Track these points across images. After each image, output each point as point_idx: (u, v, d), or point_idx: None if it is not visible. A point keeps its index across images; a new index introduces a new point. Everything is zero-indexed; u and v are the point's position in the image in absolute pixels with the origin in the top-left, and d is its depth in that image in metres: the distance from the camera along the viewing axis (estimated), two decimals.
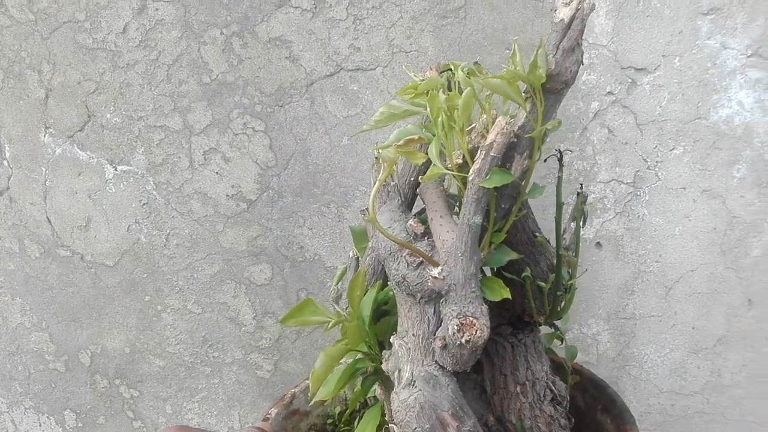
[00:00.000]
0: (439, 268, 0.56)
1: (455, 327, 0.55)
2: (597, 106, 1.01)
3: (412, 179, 0.69)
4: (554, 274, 0.68)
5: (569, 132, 1.03)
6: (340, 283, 0.80)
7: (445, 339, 0.58)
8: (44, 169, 1.14)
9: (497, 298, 0.59)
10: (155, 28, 1.03)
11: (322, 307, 0.70)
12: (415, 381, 0.60)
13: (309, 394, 0.67)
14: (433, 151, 0.56)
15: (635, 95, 1.01)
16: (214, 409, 1.24)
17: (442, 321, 0.63)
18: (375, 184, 0.59)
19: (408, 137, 0.56)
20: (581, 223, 0.70)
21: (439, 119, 0.55)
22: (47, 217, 1.17)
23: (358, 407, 0.83)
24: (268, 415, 0.81)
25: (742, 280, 1.08)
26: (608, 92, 1.01)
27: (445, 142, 0.56)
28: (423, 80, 0.59)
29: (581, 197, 0.70)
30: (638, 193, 1.05)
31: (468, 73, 0.62)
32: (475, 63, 0.61)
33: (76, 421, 1.28)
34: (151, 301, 1.18)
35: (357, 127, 1.05)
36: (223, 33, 1.02)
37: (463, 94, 0.54)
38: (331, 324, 0.68)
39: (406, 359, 0.62)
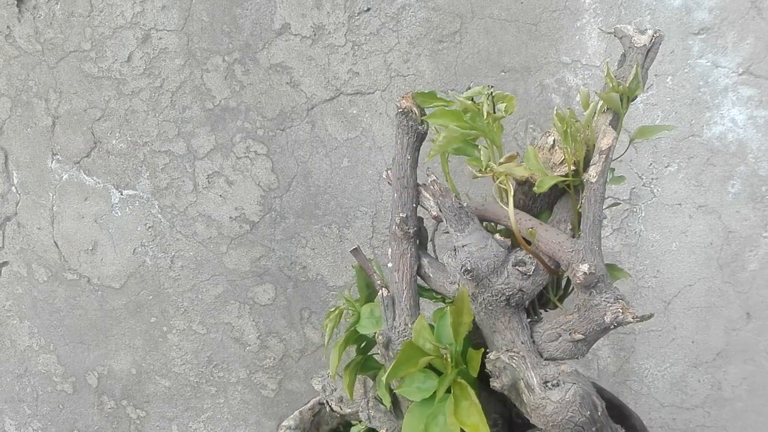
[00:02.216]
0: (587, 264, 0.61)
1: (618, 311, 0.60)
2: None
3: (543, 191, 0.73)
4: None
5: None
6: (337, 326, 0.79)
7: (578, 331, 0.64)
8: (51, 195, 1.16)
9: (614, 280, 0.65)
10: (159, 57, 1.06)
11: (424, 348, 0.69)
12: (552, 382, 0.64)
13: None
14: (535, 163, 0.64)
15: (629, 114, 1.02)
16: (219, 428, 1.25)
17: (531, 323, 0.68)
18: (509, 200, 0.64)
19: (509, 154, 0.64)
20: None
21: (568, 132, 0.63)
22: (54, 242, 1.19)
23: None
24: None
25: (740, 293, 1.09)
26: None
27: (567, 153, 0.64)
28: (453, 102, 0.67)
29: None
30: (635, 209, 1.06)
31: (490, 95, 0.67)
32: (490, 87, 0.66)
33: None
34: (156, 323, 1.20)
35: (357, 149, 1.08)
36: (225, 60, 1.05)
37: (589, 108, 0.65)
38: (447, 356, 0.68)
39: (526, 367, 0.66)
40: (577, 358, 0.67)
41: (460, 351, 0.70)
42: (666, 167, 1.04)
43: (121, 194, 1.13)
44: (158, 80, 1.07)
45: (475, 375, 0.69)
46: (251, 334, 1.19)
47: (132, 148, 1.11)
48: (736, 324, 1.11)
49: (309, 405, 0.86)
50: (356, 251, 0.77)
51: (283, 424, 0.93)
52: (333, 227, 1.12)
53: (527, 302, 0.69)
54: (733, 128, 1.02)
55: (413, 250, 0.73)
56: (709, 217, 1.05)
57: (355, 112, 1.06)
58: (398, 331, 0.73)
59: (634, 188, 1.05)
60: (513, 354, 0.67)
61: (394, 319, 0.74)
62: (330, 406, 0.83)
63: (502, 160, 0.63)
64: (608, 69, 0.65)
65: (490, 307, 0.68)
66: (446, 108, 0.67)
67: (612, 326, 0.61)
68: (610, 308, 0.61)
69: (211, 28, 1.04)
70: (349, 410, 0.82)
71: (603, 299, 0.62)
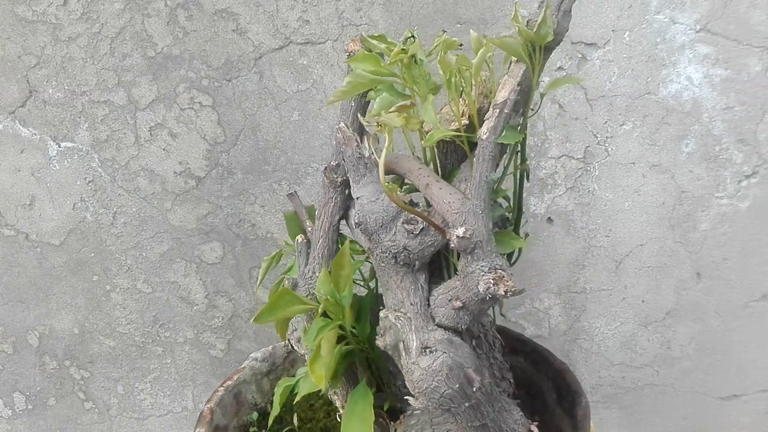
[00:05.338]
0: (463, 227, 0.57)
1: (490, 282, 0.56)
2: (547, 81, 1.01)
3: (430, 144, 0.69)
4: (512, 227, 0.69)
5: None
6: (273, 268, 0.78)
7: (460, 299, 0.60)
8: None
9: (509, 250, 0.62)
10: (97, 0, 1.00)
11: (299, 295, 0.68)
12: (428, 347, 0.61)
13: (318, 383, 0.64)
14: (431, 115, 0.57)
15: (585, 70, 1.01)
16: (167, 389, 1.22)
17: (435, 285, 0.65)
18: (382, 151, 0.59)
19: (400, 104, 0.57)
20: (527, 179, 0.72)
21: (452, 80, 0.57)
22: None
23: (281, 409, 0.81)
24: None
25: (690, 253, 1.09)
26: (558, 67, 1.00)
27: (454, 104, 0.57)
28: (388, 47, 0.60)
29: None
30: (588, 168, 1.05)
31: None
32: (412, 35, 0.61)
33: (25, 404, 1.25)
34: (99, 281, 1.15)
35: (308, 102, 1.04)
36: (167, 5, 0.99)
37: (478, 54, 0.57)
38: (320, 311, 0.66)
39: (410, 329, 0.62)
40: (461, 327, 0.63)
41: (341, 303, 0.68)
42: (621, 125, 1.03)
43: (59, 146, 1.08)
44: (96, 25, 1.01)
45: (349, 327, 0.68)
46: (198, 293, 1.16)
47: (70, 97, 1.05)
48: (687, 284, 1.11)
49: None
50: (292, 196, 0.75)
51: (251, 355, 0.92)
52: (283, 184, 1.08)
53: (418, 262, 0.64)
54: (688, 86, 1.01)
55: (338, 199, 0.71)
56: (663, 177, 1.05)
57: (305, 62, 1.02)
58: (306, 278, 0.73)
59: (588, 147, 1.04)
60: (399, 314, 0.64)
61: (305, 266, 0.73)
62: (291, 345, 0.82)
63: (392, 109, 0.58)
64: (516, 10, 0.58)
65: (382, 264, 0.65)
66: (368, 52, 0.63)
67: (487, 297, 0.57)
68: (483, 278, 0.57)
69: None
70: (303, 351, 0.80)
71: (478, 267, 0.58)
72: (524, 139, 0.69)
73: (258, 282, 0.80)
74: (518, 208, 0.70)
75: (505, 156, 0.66)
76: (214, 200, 1.09)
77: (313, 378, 0.64)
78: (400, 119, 0.58)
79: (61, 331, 1.19)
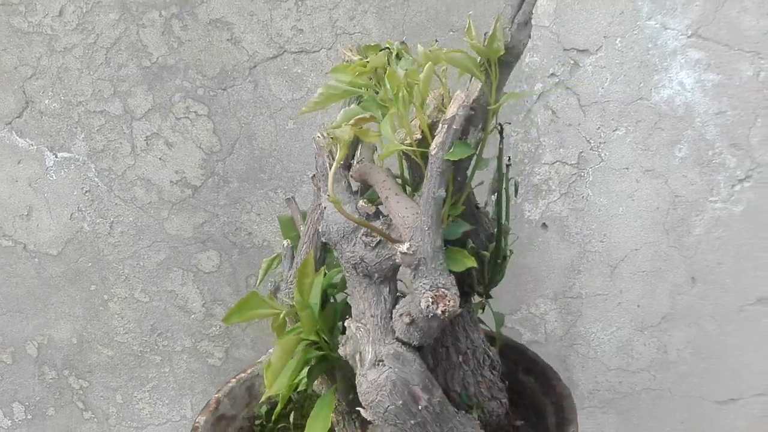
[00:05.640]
0: (408, 243, 0.56)
1: (429, 300, 0.56)
2: (540, 87, 1.02)
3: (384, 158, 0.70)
4: (494, 244, 0.69)
5: (513, 114, 1.03)
6: (269, 274, 0.79)
7: (411, 315, 0.59)
8: None
9: (461, 269, 0.61)
10: (92, 11, 1.01)
11: (267, 299, 0.70)
12: (381, 360, 0.60)
13: (267, 388, 0.66)
14: (387, 129, 0.56)
15: (578, 76, 1.01)
16: (165, 397, 1.23)
17: (398, 299, 0.64)
18: (332, 165, 0.59)
19: (359, 116, 0.56)
20: (515, 194, 0.72)
21: (400, 95, 0.56)
22: None
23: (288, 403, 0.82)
24: (196, 424, 0.80)
25: (685, 258, 1.10)
26: (551, 74, 1.01)
27: (403, 118, 0.56)
28: (362, 60, 0.59)
29: (507, 166, 0.71)
30: (582, 174, 1.06)
31: (396, 54, 0.62)
32: (402, 43, 0.61)
33: (25, 414, 1.26)
34: (97, 291, 1.16)
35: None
36: (162, 15, 1.00)
37: (425, 68, 0.55)
38: (282, 315, 0.68)
39: (367, 340, 0.62)
40: (413, 343, 0.62)
41: (306, 310, 0.69)
42: (614, 131, 1.03)
43: (56, 157, 1.08)
44: (92, 36, 1.02)
45: (311, 334, 0.69)
46: (196, 301, 1.16)
47: (66, 108, 1.06)
48: (681, 288, 1.11)
49: None
50: (290, 201, 0.76)
51: (269, 350, 0.93)
52: (279, 192, 1.09)
53: (377, 274, 0.63)
54: (681, 92, 1.01)
55: (324, 207, 0.72)
56: (656, 182, 1.05)
57: (299, 71, 1.02)
58: (288, 282, 0.74)
59: (582, 152, 1.05)
60: (360, 325, 0.64)
61: (289, 270, 0.75)
62: None
63: (351, 122, 0.57)
64: (470, 23, 0.56)
65: (347, 274, 0.65)
66: (347, 63, 0.62)
67: (429, 315, 0.56)
68: (424, 295, 0.56)
69: None
70: None
71: (421, 284, 0.57)
72: (501, 151, 0.69)
73: (258, 282, 0.82)
74: (499, 222, 0.70)
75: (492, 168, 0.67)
76: (211, 209, 1.10)
77: (265, 382, 0.66)
78: (351, 133, 0.57)
79: (59, 341, 1.20)
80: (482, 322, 0.80)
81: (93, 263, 1.14)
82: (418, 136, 0.60)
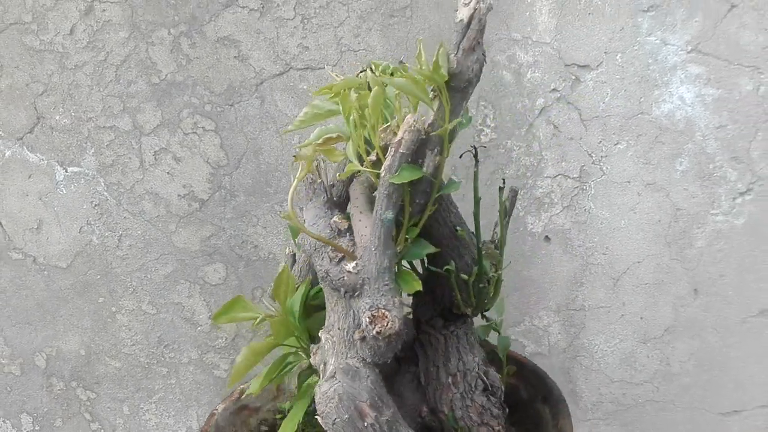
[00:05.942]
0: (354, 262, 0.58)
1: (367, 319, 0.57)
2: (542, 102, 1.03)
3: (345, 178, 0.71)
4: (477, 267, 0.70)
5: (516, 128, 1.05)
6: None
7: (363, 332, 0.59)
8: None
9: (411, 290, 0.61)
10: (102, 29, 1.03)
11: (253, 304, 0.73)
12: (335, 373, 0.61)
13: (228, 386, 0.69)
14: (350, 149, 0.57)
15: (579, 91, 1.03)
16: (171, 409, 1.24)
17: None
18: (294, 181, 0.60)
19: (327, 136, 0.58)
20: (506, 219, 0.72)
21: (351, 117, 0.57)
22: None
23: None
24: (215, 411, 0.82)
25: (687, 270, 1.10)
26: (553, 89, 1.03)
27: (357, 140, 0.57)
28: (342, 80, 0.61)
29: (511, 192, 0.72)
30: (584, 187, 1.07)
31: (392, 72, 0.63)
32: (400, 62, 0.62)
33: (33, 425, 1.27)
34: (105, 303, 1.17)
35: (309, 126, 1.06)
36: (171, 33, 1.02)
37: (372, 93, 0.56)
38: (258, 320, 0.70)
39: (332, 352, 0.63)
40: (368, 360, 0.62)
41: (290, 310, 0.72)
42: (615, 145, 1.05)
43: (66, 171, 1.10)
44: (102, 54, 1.04)
45: (284, 343, 0.72)
46: (202, 314, 1.17)
47: (76, 123, 1.08)
48: (684, 300, 1.12)
49: None
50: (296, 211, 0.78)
51: None
52: (285, 205, 1.10)
53: (354, 291, 0.62)
54: (681, 106, 1.02)
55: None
56: (658, 195, 1.06)
57: (305, 87, 1.04)
58: None
59: (583, 166, 1.06)
60: (329, 336, 0.65)
61: None
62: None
63: (320, 141, 0.58)
64: (420, 48, 0.56)
65: (322, 285, 0.66)
66: (335, 83, 0.63)
67: (368, 334, 0.57)
68: (364, 315, 0.57)
69: (156, 0, 1.01)
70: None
71: (362, 303, 0.58)
72: (476, 175, 0.69)
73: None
74: (501, 244, 0.71)
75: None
76: (218, 222, 1.11)
77: (231, 379, 0.71)
78: (318, 151, 0.59)
79: (67, 353, 1.21)
80: (488, 343, 0.81)
81: (101, 276, 1.16)
82: (373, 158, 0.61)
